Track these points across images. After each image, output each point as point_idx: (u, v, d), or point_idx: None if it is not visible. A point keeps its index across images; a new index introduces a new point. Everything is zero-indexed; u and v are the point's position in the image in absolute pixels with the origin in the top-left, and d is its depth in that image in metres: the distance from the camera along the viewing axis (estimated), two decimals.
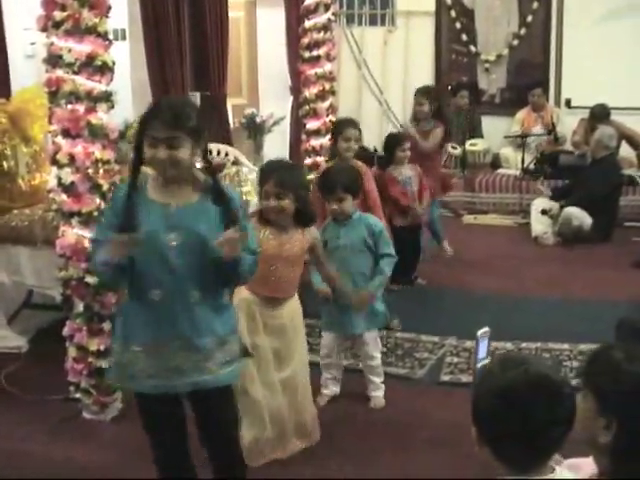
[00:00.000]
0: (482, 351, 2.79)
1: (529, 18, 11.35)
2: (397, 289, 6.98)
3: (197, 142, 3.42)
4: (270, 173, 4.35)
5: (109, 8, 4.77)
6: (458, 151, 10.75)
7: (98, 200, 4.80)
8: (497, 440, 2.30)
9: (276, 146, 11.03)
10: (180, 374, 3.51)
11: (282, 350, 4.50)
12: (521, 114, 11.17)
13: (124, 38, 9.68)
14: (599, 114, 10.17)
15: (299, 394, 4.62)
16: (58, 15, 4.60)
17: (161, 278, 3.44)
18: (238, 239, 3.35)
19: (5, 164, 5.83)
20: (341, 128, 6.52)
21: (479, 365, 2.78)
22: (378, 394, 5.31)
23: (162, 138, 3.34)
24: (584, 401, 2.41)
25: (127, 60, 9.37)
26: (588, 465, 2.56)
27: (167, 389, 3.54)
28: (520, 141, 10.64)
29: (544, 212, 9.16)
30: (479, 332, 2.77)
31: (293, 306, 4.57)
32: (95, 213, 4.78)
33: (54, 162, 4.79)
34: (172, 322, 3.48)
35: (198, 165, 3.60)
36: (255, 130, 10.72)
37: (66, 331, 5.01)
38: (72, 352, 5.01)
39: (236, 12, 11.19)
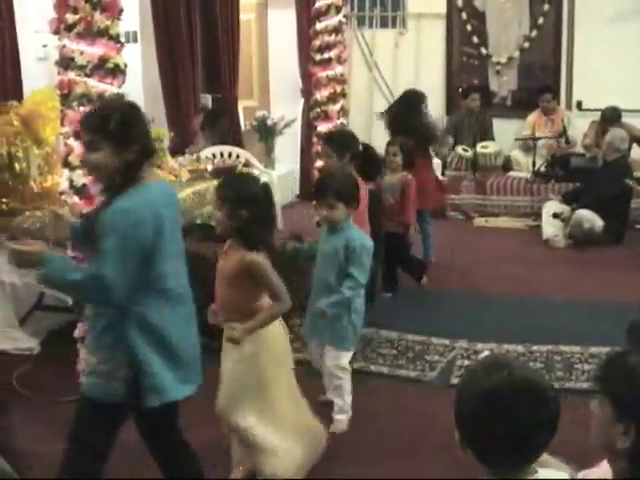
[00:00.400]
0: None
1: (540, 20, 11.31)
2: (389, 296, 6.99)
3: (120, 146, 3.31)
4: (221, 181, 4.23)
5: (121, 11, 4.80)
6: (469, 154, 10.73)
7: None
8: (480, 443, 2.27)
9: (287, 148, 11.04)
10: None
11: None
12: (532, 117, 11.13)
13: (136, 40, 9.70)
14: (610, 117, 10.14)
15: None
16: (70, 18, 4.63)
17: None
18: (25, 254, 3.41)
19: (17, 166, 5.85)
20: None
21: None
22: (340, 417, 5.00)
23: (84, 142, 3.40)
24: (601, 407, 2.37)
25: (139, 62, 9.39)
26: (602, 468, 2.54)
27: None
28: (531, 144, 10.62)
29: (556, 215, 9.14)
30: (481, 356, 2.77)
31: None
32: None
33: (66, 164, 4.82)
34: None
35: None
36: (266, 132, 10.73)
37: (77, 333, 5.02)
38: (83, 354, 5.01)
39: (247, 14, 11.19)
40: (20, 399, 5.34)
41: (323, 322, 4.91)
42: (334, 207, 4.85)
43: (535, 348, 6.05)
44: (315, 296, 5.02)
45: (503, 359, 2.83)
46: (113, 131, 3.27)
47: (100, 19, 4.62)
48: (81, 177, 4.73)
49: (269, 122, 10.73)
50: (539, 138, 10.60)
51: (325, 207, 4.88)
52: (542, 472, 2.32)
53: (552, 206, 9.39)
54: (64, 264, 3.47)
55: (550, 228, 9.19)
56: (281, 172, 10.58)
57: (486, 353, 2.89)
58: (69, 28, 4.64)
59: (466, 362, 5.90)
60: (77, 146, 4.72)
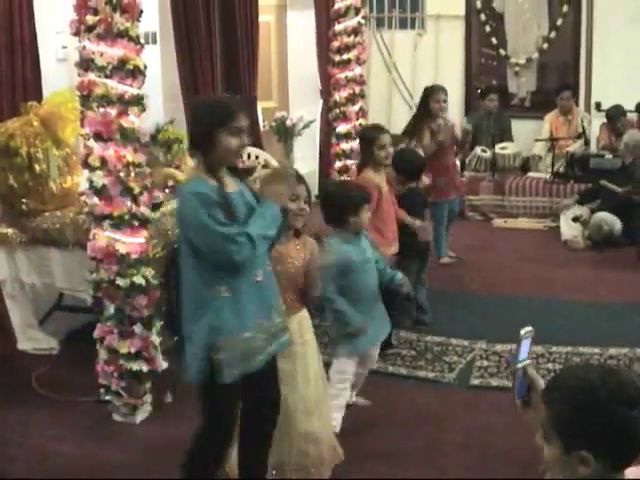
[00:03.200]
0: (524, 352, 2.73)
1: (559, 22, 11.25)
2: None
3: None
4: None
5: (141, 12, 4.80)
6: (488, 154, 10.69)
7: (129, 203, 4.81)
8: (595, 440, 2.16)
9: (306, 149, 11.02)
10: (274, 339, 3.82)
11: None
12: (549, 117, 11.09)
13: (155, 42, 9.71)
14: (614, 114, 10.19)
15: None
16: (90, 19, 4.63)
17: (257, 258, 3.65)
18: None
19: (37, 167, 5.85)
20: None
21: (519, 366, 2.72)
22: None
23: (245, 127, 3.69)
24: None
25: (158, 63, 9.40)
26: None
27: (267, 358, 3.81)
28: (549, 144, 10.58)
29: (575, 219, 9.10)
30: (522, 331, 2.71)
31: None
32: (126, 216, 4.80)
33: (86, 165, 4.82)
34: (268, 297, 3.77)
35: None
36: (285, 133, 10.72)
37: (97, 333, 5.03)
38: (103, 354, 5.03)
39: (266, 16, 11.18)
40: (40, 399, 5.37)
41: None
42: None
43: (554, 349, 6.02)
44: (370, 305, 4.95)
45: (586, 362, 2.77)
46: None
47: (120, 21, 4.62)
48: (101, 178, 4.73)
49: (288, 123, 10.73)
50: (558, 139, 10.56)
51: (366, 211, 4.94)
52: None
53: (570, 211, 9.35)
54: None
55: (569, 230, 9.15)
56: (300, 173, 10.54)
57: (528, 329, 2.83)
58: (89, 29, 4.64)
59: (485, 363, 5.89)
60: (97, 147, 4.73)
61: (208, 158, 3.64)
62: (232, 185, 3.71)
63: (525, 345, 2.70)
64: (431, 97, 7.83)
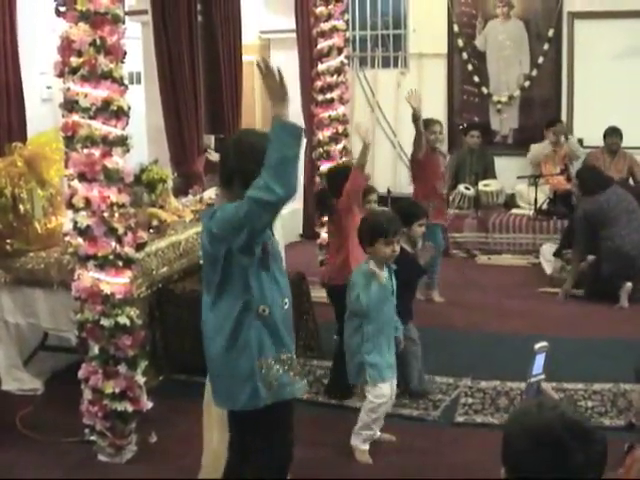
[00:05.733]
0: (538, 366, 2.76)
1: (540, 59, 11.38)
2: None
3: None
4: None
5: (125, 54, 4.84)
6: (471, 192, 10.75)
7: (113, 243, 4.82)
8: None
9: None
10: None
11: None
12: (539, 148, 11.09)
13: (139, 82, 9.77)
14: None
15: None
16: (74, 61, 4.66)
17: (286, 288, 3.85)
18: None
19: (21, 207, 5.87)
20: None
21: (533, 380, 2.75)
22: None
23: None
24: None
25: (142, 103, 9.45)
26: None
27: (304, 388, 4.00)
28: (532, 181, 10.64)
29: (556, 254, 9.07)
30: (537, 346, 2.76)
31: None
32: (111, 257, 4.81)
33: (70, 205, 4.83)
34: (291, 327, 3.92)
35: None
36: None
37: (81, 374, 5.02)
38: (87, 395, 5.02)
39: (250, 55, 11.26)
40: (24, 440, 5.34)
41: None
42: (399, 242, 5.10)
43: None
44: (388, 335, 5.13)
45: (551, 400, 2.81)
46: None
47: (104, 62, 4.66)
48: (85, 218, 4.75)
49: None
50: (542, 176, 10.62)
51: (396, 242, 5.04)
52: None
53: (548, 249, 9.38)
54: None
55: (548, 265, 9.18)
56: (284, 212, 10.48)
57: (543, 344, 2.87)
58: (73, 71, 4.68)
59: (470, 400, 5.90)
60: (81, 188, 4.75)
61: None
62: None
63: (539, 360, 2.73)
64: (427, 129, 8.01)
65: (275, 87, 3.50)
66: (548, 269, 9.16)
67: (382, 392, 5.05)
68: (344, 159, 8.10)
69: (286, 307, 3.83)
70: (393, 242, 4.99)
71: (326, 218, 6.65)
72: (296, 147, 3.45)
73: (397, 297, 5.22)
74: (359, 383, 5.25)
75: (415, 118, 7.76)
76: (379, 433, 5.25)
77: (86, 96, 4.66)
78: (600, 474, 2.25)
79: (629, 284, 8.10)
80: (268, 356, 3.72)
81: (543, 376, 2.76)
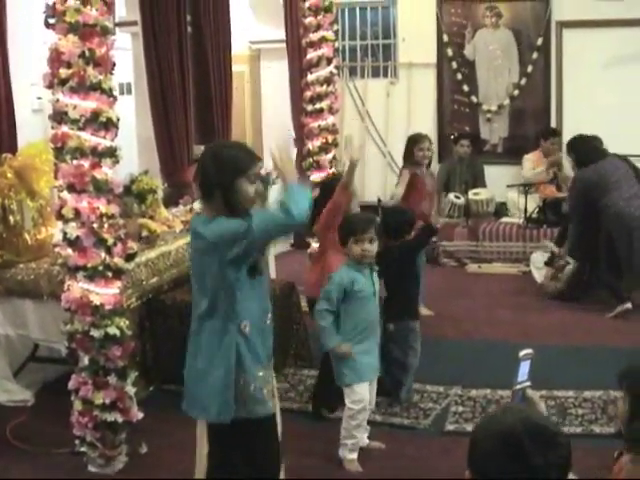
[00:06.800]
0: (523, 373, 2.78)
1: (529, 68, 11.42)
2: None
3: None
4: None
5: (114, 65, 4.85)
6: (461, 200, 10.77)
7: (103, 254, 4.83)
8: None
9: None
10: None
11: None
12: (531, 157, 11.10)
13: (130, 92, 9.77)
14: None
15: None
16: (63, 72, 4.67)
17: (268, 304, 3.95)
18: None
19: (11, 218, 5.87)
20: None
21: (518, 388, 2.77)
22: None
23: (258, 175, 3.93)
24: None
25: (132, 114, 9.45)
26: None
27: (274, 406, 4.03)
28: (523, 189, 10.65)
29: (548, 263, 9.07)
30: (521, 353, 2.77)
31: None
32: (100, 267, 4.81)
33: (60, 217, 4.83)
34: (271, 343, 3.96)
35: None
36: (259, 182, 10.74)
37: (71, 384, 5.02)
38: (78, 406, 5.01)
39: (240, 66, 11.30)
40: (15, 451, 5.33)
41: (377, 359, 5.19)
42: (375, 241, 5.07)
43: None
44: (373, 338, 5.16)
45: (519, 406, 2.85)
46: None
47: (93, 74, 4.66)
48: (75, 229, 4.75)
49: (262, 172, 10.75)
50: (531, 185, 10.64)
51: (367, 241, 5.02)
52: None
53: (538, 257, 9.38)
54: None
55: (539, 273, 9.19)
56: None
57: (528, 351, 2.90)
58: (62, 83, 4.69)
59: (460, 409, 5.91)
60: (70, 199, 4.76)
61: (227, 206, 3.74)
62: None
63: (524, 367, 2.75)
64: (415, 146, 7.96)
65: (292, 170, 3.90)
66: (539, 277, 9.18)
67: (359, 396, 5.03)
68: (334, 169, 8.11)
69: (267, 322, 3.89)
70: (364, 240, 4.99)
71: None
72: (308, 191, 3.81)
73: (394, 288, 5.48)
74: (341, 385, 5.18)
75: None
76: (367, 441, 5.25)
77: (75, 107, 4.67)
78: (563, 478, 2.27)
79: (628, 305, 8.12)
80: (245, 371, 3.76)
81: (528, 383, 2.78)
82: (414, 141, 7.98)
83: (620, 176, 8.21)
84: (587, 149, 8.48)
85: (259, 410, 3.82)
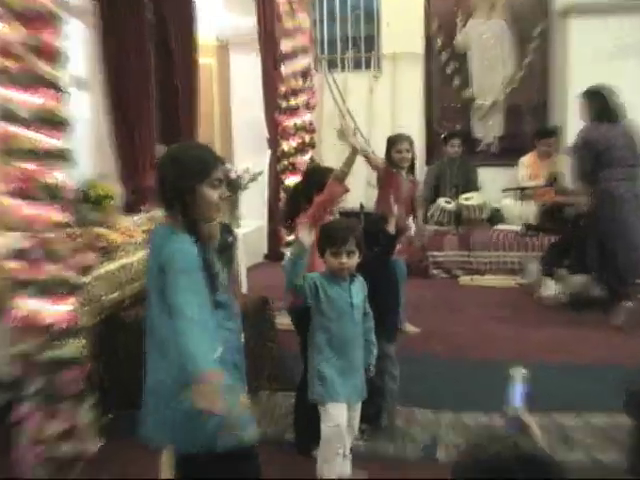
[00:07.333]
0: (516, 397, 2.76)
1: (527, 59, 11.40)
2: None
3: None
4: None
5: (66, 58, 4.79)
6: (452, 206, 10.76)
7: (55, 268, 4.77)
8: None
9: (253, 204, 11.00)
10: None
11: None
12: (527, 160, 11.11)
13: (85, 88, 9.70)
14: None
15: None
16: (8, 64, 4.60)
17: (238, 324, 4.09)
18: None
19: None
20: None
21: (512, 414, 2.75)
22: None
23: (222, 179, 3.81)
24: None
25: (88, 112, 9.38)
26: None
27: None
28: (519, 194, 10.67)
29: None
30: (513, 374, 2.75)
31: None
32: (52, 282, 4.76)
33: (4, 226, 4.78)
34: (244, 365, 4.10)
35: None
36: (229, 187, 10.71)
37: (16, 415, 4.94)
38: (23, 439, 4.93)
39: (207, 58, 11.25)
40: None
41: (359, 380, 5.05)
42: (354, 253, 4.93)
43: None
44: (352, 357, 5.02)
45: (506, 432, 2.83)
46: None
47: (41, 65, 4.62)
48: (22, 240, 4.70)
49: (232, 175, 10.73)
50: (527, 188, 10.65)
51: (345, 254, 4.91)
52: None
53: (536, 269, 9.42)
54: None
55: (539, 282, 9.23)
56: (247, 230, 10.56)
57: (522, 371, 2.88)
58: (6, 74, 4.63)
59: (451, 436, 5.88)
60: (17, 206, 4.70)
61: (187, 215, 3.72)
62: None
63: (518, 389, 2.73)
64: (393, 147, 7.91)
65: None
66: (536, 289, 9.19)
67: (331, 417, 4.91)
68: (311, 155, 8.08)
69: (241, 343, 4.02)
70: (341, 254, 4.89)
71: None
72: None
73: (373, 301, 5.24)
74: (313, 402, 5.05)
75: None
76: (349, 471, 5.16)
77: (21, 103, 4.61)
78: None
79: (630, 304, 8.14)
80: None
81: (523, 408, 2.75)
82: (391, 142, 7.93)
83: (624, 153, 8.36)
84: (611, 105, 8.58)
85: (236, 438, 3.78)
